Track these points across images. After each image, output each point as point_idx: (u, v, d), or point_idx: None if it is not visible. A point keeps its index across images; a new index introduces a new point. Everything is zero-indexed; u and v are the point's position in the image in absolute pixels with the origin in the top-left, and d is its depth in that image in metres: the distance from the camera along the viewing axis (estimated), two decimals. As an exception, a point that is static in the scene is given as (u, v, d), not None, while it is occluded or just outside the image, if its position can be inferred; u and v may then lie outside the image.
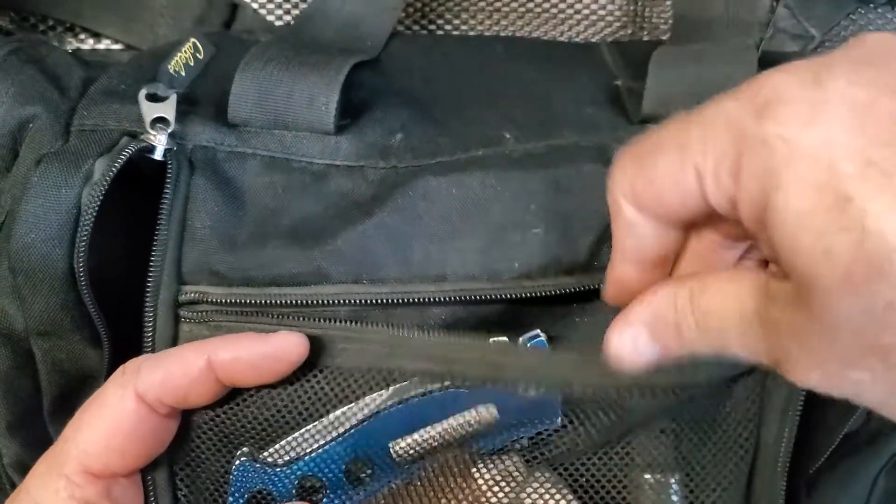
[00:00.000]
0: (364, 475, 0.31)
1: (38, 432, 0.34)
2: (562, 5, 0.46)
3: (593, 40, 0.45)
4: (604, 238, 0.30)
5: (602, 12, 0.46)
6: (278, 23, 0.45)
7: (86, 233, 0.30)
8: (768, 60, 0.35)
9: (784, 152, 0.20)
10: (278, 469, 0.30)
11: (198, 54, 0.34)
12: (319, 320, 0.30)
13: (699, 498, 0.31)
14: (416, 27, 0.46)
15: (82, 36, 0.45)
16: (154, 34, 0.43)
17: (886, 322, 0.18)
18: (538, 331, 0.30)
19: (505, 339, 0.30)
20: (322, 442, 0.30)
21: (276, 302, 0.30)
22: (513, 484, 0.30)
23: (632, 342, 0.25)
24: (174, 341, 0.30)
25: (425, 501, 0.31)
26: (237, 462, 0.30)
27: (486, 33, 0.46)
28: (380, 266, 0.30)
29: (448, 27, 0.46)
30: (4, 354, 0.33)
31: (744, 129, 0.21)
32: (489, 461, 0.31)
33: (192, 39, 0.34)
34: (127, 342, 0.31)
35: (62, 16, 0.43)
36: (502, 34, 0.46)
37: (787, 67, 0.21)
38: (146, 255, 0.30)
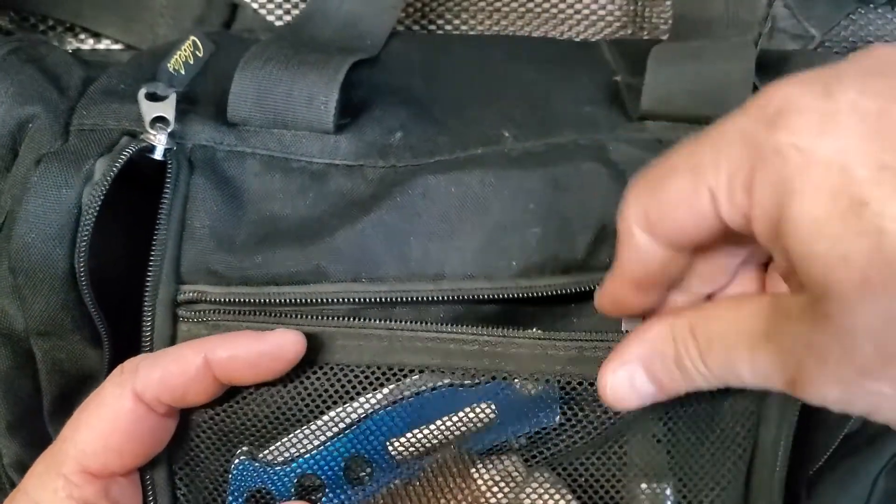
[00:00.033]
0: (363, 474, 0.31)
1: (37, 432, 0.34)
2: (562, 5, 0.46)
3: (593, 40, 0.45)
4: (602, 237, 0.30)
5: (602, 12, 0.46)
6: (278, 22, 0.45)
7: (87, 233, 0.30)
8: (768, 59, 0.35)
9: (797, 160, 0.20)
10: (277, 468, 0.30)
11: (197, 52, 0.34)
12: (318, 318, 0.30)
13: (697, 497, 0.31)
14: (416, 27, 0.46)
15: (82, 36, 0.45)
16: (154, 34, 0.43)
17: None
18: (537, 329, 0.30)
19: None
20: (321, 440, 0.30)
21: (274, 301, 0.30)
22: (512, 484, 0.30)
23: (628, 381, 0.25)
24: (172, 340, 0.30)
25: (424, 502, 0.31)
26: (236, 461, 0.30)
27: (486, 33, 0.46)
28: (379, 264, 0.30)
29: (448, 27, 0.46)
30: (4, 354, 0.33)
31: (756, 141, 0.20)
32: (488, 461, 0.31)
33: (192, 37, 0.34)
34: (127, 342, 0.31)
35: (62, 16, 0.44)
36: (502, 34, 0.46)
37: (796, 79, 0.21)
38: (146, 255, 0.30)
